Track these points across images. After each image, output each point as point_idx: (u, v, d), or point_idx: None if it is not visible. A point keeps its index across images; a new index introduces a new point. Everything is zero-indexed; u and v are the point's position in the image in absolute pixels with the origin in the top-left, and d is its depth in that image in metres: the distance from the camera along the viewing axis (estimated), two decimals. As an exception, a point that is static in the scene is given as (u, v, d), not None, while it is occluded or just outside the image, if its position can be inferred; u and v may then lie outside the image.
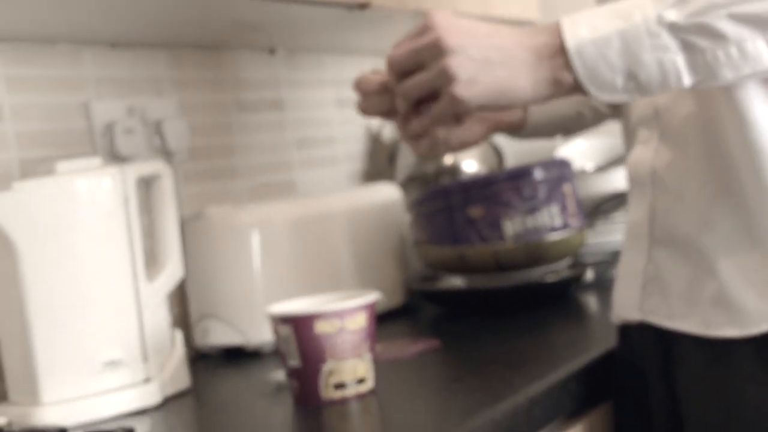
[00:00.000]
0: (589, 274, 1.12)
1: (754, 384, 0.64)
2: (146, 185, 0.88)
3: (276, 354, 0.93)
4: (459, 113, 0.63)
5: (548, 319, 0.98)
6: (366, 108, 0.66)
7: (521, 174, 1.01)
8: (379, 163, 1.39)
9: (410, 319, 1.09)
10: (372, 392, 0.75)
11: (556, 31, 0.60)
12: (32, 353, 0.78)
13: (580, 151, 1.33)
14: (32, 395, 0.78)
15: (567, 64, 0.59)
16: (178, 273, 0.88)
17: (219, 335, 0.99)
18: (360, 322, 0.74)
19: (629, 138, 0.74)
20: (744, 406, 0.65)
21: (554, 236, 1.03)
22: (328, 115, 1.35)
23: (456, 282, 1.11)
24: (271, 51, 1.26)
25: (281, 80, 1.28)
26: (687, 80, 0.59)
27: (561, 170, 1.04)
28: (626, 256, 0.74)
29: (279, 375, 0.82)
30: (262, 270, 0.98)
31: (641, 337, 0.73)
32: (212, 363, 0.99)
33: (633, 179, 0.72)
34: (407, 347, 0.90)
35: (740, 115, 0.63)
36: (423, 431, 0.63)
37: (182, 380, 0.87)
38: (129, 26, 0.95)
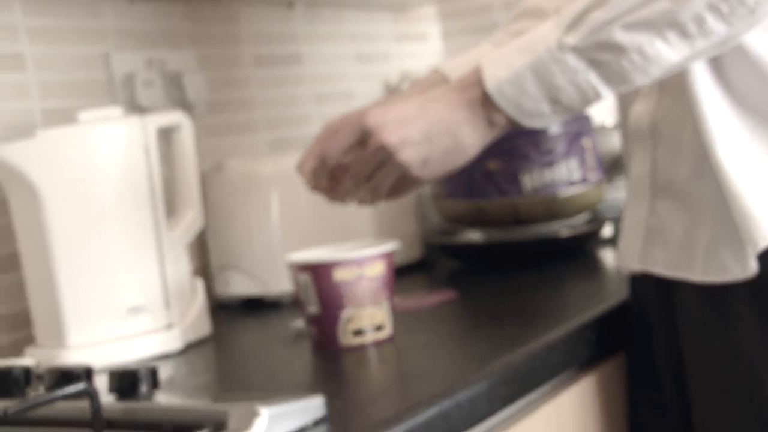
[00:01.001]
0: (607, 230, 1.11)
1: (751, 329, 0.66)
2: (166, 136, 0.88)
3: (295, 304, 0.95)
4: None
5: (565, 273, 0.99)
6: (315, 186, 0.72)
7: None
8: None
9: (427, 272, 1.10)
10: (390, 339, 0.76)
11: (478, 78, 0.65)
12: (58, 298, 0.79)
13: (601, 106, 1.35)
14: (58, 339, 0.80)
15: (496, 106, 0.64)
16: (198, 222, 0.89)
17: (239, 286, 1.01)
18: (378, 270, 0.75)
19: (628, 94, 0.76)
20: (742, 352, 0.66)
21: (572, 190, 1.04)
22: (346, 70, 1.35)
23: (473, 236, 1.11)
24: (290, 4, 1.26)
25: (299, 34, 1.28)
26: (605, 92, 0.62)
27: (580, 124, 1.04)
28: (629, 208, 0.76)
29: (298, 323, 0.84)
30: (280, 222, 0.99)
31: (644, 287, 0.75)
32: (232, 312, 1.00)
33: (633, 133, 0.74)
34: (425, 298, 0.91)
35: (748, 50, 0.64)
36: (442, 376, 0.64)
37: (203, 327, 0.89)
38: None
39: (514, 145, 1.02)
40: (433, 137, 0.65)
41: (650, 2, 0.60)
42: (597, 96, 0.63)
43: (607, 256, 1.06)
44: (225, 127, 1.15)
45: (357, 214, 1.06)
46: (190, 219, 0.88)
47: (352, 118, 0.68)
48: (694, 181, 0.68)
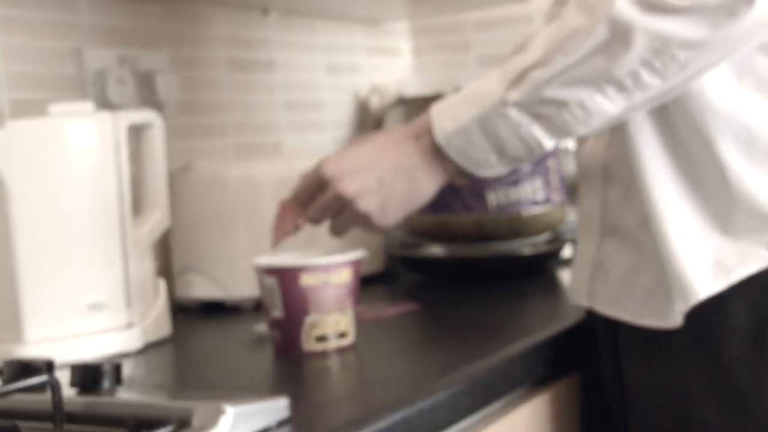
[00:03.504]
0: (567, 250, 1.13)
1: (686, 359, 0.67)
2: (137, 134, 0.87)
3: (255, 310, 0.95)
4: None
5: (526, 290, 1.00)
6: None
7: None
8: (365, 131, 1.40)
9: (389, 284, 1.11)
10: (352, 347, 0.76)
11: (428, 126, 0.67)
12: (18, 292, 0.78)
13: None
14: (17, 333, 0.78)
15: (446, 156, 0.66)
16: (164, 222, 0.89)
17: (200, 288, 1.00)
18: (345, 277, 0.75)
19: None
20: (677, 380, 0.68)
21: (536, 209, 1.05)
22: (317, 80, 1.36)
23: (436, 250, 1.11)
24: (264, 11, 1.26)
25: (272, 41, 1.28)
26: (548, 143, 0.64)
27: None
28: (579, 243, 0.77)
29: (260, 327, 0.83)
30: (245, 226, 0.99)
31: (593, 315, 0.77)
32: (192, 315, 0.99)
33: (586, 171, 0.75)
34: (387, 308, 0.92)
35: (689, 102, 0.65)
36: (402, 384, 0.64)
37: (164, 328, 0.88)
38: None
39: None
40: (390, 184, 0.67)
41: (587, 60, 0.61)
42: (540, 147, 0.64)
43: (567, 276, 1.07)
44: (194, 129, 1.15)
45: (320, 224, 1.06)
46: (157, 218, 0.88)
47: (311, 170, 0.71)
48: (641, 227, 0.69)
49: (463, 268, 1.08)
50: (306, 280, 0.73)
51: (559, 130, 0.63)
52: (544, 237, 1.11)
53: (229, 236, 0.99)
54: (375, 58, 1.48)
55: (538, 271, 1.09)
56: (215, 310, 1.00)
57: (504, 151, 0.65)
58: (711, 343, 0.66)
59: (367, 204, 0.67)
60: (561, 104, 0.62)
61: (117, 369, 0.59)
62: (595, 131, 0.65)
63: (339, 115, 1.38)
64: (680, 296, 0.66)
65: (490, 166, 0.66)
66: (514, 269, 1.07)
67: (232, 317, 0.96)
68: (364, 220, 0.68)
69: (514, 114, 0.63)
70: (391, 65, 1.51)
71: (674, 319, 0.66)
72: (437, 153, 0.66)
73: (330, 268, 0.74)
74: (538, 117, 0.63)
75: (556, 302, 0.95)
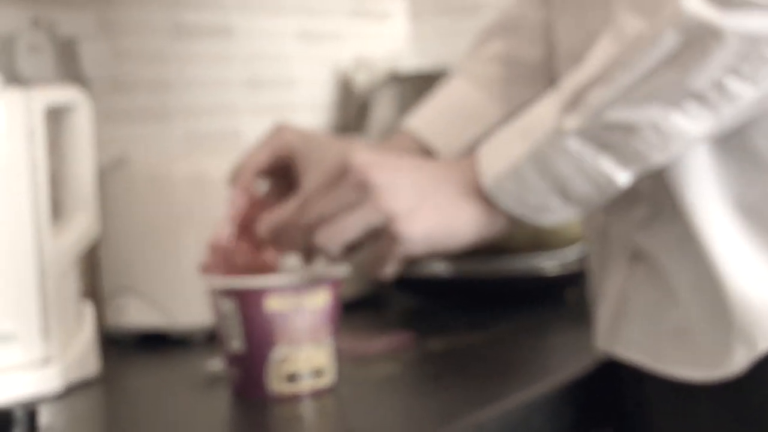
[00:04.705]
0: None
1: (725, 416, 0.70)
2: (57, 118, 0.88)
3: (208, 342, 0.95)
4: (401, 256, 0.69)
5: (549, 318, 1.01)
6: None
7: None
8: (349, 115, 1.41)
9: (379, 310, 1.11)
10: (331, 389, 0.76)
11: (475, 170, 0.68)
12: None
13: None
14: None
15: (497, 203, 0.67)
16: (92, 230, 0.89)
17: (138, 315, 1.01)
18: (321, 301, 0.75)
19: None
20: None
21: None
22: (286, 50, 1.36)
23: (437, 267, 1.11)
24: (220, -38, 1.28)
25: (230, 2, 1.29)
26: (620, 177, 0.65)
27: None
28: (599, 271, 0.79)
29: (214, 364, 0.84)
30: (195, 236, 0.98)
31: (616, 364, 0.79)
32: (127, 349, 1.00)
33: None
34: (375, 341, 0.93)
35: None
36: (393, 436, 0.64)
37: (90, 365, 0.87)
38: None
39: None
40: (428, 192, 0.67)
41: (656, 73, 0.62)
42: (610, 183, 0.65)
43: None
44: (131, 112, 1.15)
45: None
46: (82, 226, 0.88)
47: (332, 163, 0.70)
48: (674, 253, 0.71)
49: (472, 290, 1.08)
50: (273, 303, 0.73)
51: (631, 160, 0.64)
52: (572, 252, 1.11)
53: (175, 249, 0.99)
54: (360, 24, 1.48)
55: (565, 295, 1.10)
56: (156, 342, 1.00)
57: (567, 191, 0.65)
58: (755, 397, 0.68)
59: (394, 199, 0.67)
60: (630, 129, 0.63)
61: (31, 416, 0.59)
62: (676, 156, 0.66)
63: (315, 95, 1.38)
64: (744, 342, 0.67)
65: (549, 212, 0.67)
66: (536, 292, 1.08)
67: (178, 351, 0.97)
68: (382, 222, 0.67)
69: (575, 145, 0.64)
70: (380, 32, 1.51)
71: (731, 368, 0.68)
72: (484, 199, 0.67)
73: (303, 289, 0.74)
74: (603, 146, 0.64)
75: (586, 334, 0.92)
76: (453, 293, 1.10)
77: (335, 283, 0.76)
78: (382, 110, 1.37)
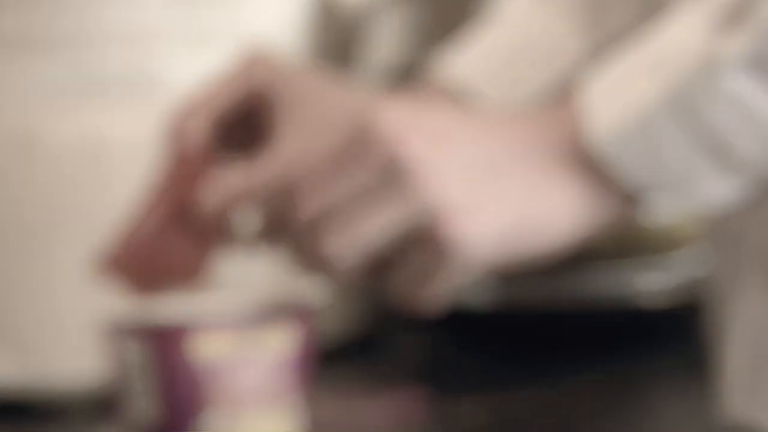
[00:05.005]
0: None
1: None
2: None
3: (98, 413, 0.87)
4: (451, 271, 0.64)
5: (645, 368, 0.96)
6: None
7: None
8: (332, 47, 1.31)
9: (380, 358, 1.03)
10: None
11: (573, 124, 0.62)
12: None
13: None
14: None
15: (610, 172, 0.62)
16: None
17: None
18: (281, 343, 0.67)
19: None
20: None
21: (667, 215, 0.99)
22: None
23: (472, 294, 1.01)
24: None
25: None
26: None
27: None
28: (727, 300, 0.76)
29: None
30: (81, 237, 0.88)
31: None
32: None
33: None
34: (373, 408, 0.88)
35: None
36: None
37: None
38: None
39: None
40: (494, 166, 0.62)
41: None
42: None
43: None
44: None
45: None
46: None
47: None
48: None
49: (520, 327, 0.99)
50: (206, 348, 0.66)
51: None
52: (680, 266, 1.03)
53: (47, 259, 0.90)
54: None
55: (673, 332, 1.00)
56: (13, 414, 0.89)
57: (724, 151, 0.60)
58: None
59: (445, 184, 0.61)
60: None
61: None
62: None
63: (273, 22, 1.24)
64: None
65: (697, 184, 0.61)
66: (624, 328, 1.00)
67: (47, 426, 0.88)
68: (424, 222, 0.61)
69: (738, 80, 0.59)
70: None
71: None
72: (591, 169, 0.61)
73: (253, 324, 0.66)
74: None
75: (705, 392, 0.82)
76: (494, 331, 1.00)
77: (305, 317, 0.69)
78: (382, 42, 1.28)
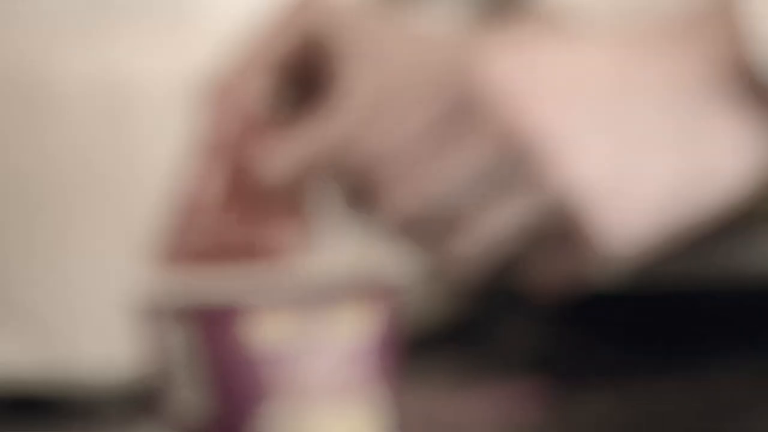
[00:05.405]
0: None
1: None
2: None
3: (133, 410, 0.84)
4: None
5: None
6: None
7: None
8: None
9: (482, 347, 0.98)
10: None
11: (728, 32, 0.58)
12: None
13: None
14: None
15: None
16: None
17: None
18: (356, 327, 0.67)
19: None
20: None
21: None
22: None
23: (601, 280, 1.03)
24: None
25: None
26: None
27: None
28: None
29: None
30: (102, 201, 0.86)
31: None
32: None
33: None
34: (476, 402, 0.87)
35: None
36: None
37: None
38: None
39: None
40: (649, 122, 0.59)
41: None
42: None
43: None
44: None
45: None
46: None
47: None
48: None
49: (655, 308, 0.94)
50: (263, 331, 0.65)
51: None
52: None
53: (63, 231, 0.85)
54: None
55: None
56: (30, 410, 0.85)
57: None
58: None
59: (584, 164, 0.57)
60: None
61: None
62: None
63: None
64: None
65: None
66: None
67: (70, 426, 0.84)
68: (559, 205, 0.57)
69: None
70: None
71: None
72: (763, 97, 0.57)
73: (321, 304, 0.64)
74: None
75: None
76: (622, 314, 0.96)
77: (387, 295, 0.67)
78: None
